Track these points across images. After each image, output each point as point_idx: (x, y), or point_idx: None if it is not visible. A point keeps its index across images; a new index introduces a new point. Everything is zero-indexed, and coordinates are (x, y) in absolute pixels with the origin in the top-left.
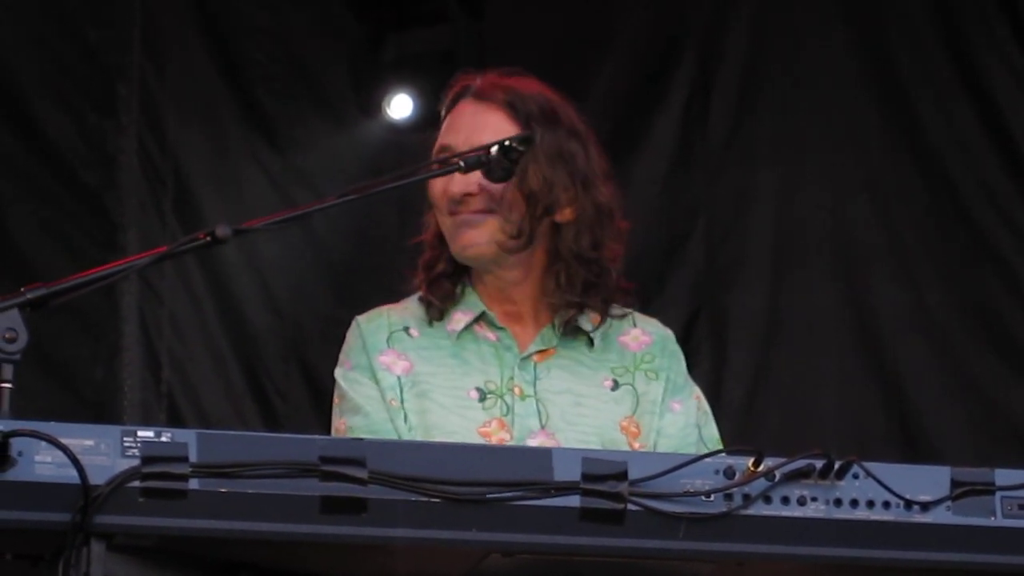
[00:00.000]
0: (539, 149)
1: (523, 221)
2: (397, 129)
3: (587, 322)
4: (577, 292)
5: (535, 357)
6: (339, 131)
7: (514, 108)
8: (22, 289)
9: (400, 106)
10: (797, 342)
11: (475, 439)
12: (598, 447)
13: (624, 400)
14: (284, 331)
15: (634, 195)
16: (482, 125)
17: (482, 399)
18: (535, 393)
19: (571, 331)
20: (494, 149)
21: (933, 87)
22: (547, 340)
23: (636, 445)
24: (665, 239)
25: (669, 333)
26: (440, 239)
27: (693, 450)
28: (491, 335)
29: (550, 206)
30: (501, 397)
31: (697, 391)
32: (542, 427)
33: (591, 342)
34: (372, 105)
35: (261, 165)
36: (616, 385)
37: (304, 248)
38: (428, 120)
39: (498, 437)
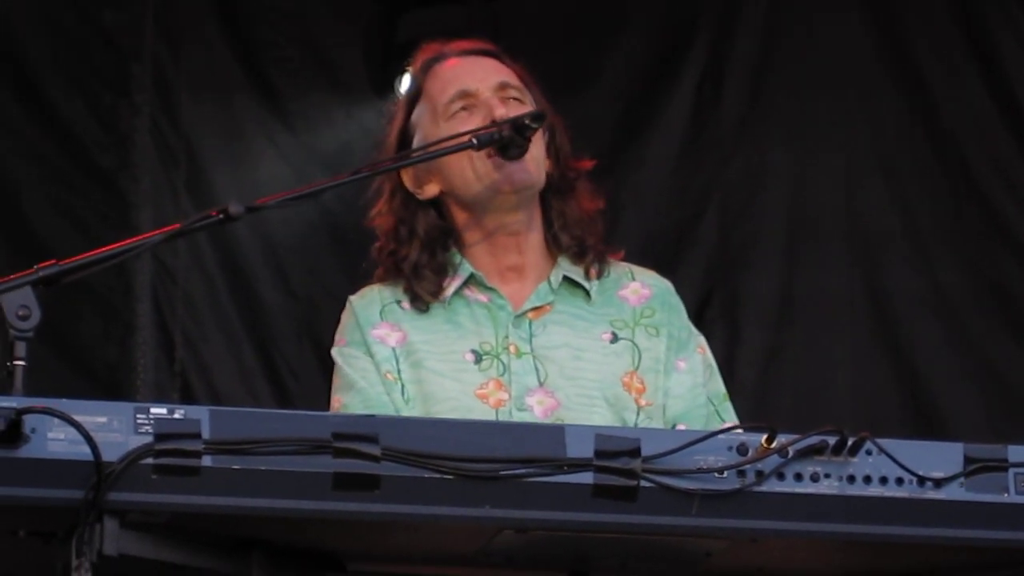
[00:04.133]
0: (536, 100)
1: (542, 157)
2: None
3: (584, 271)
4: (571, 231)
5: (530, 314)
6: (352, 111)
7: (502, 59)
8: (35, 267)
9: None
10: (810, 323)
11: (472, 402)
12: (601, 402)
13: (624, 354)
14: (297, 310)
15: (646, 175)
16: (491, 68)
17: (478, 361)
18: (532, 350)
19: (568, 285)
20: (507, 127)
21: (948, 68)
22: (543, 296)
23: (643, 402)
24: (677, 219)
25: (668, 285)
26: (405, 229)
27: (703, 411)
28: (482, 296)
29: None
30: (497, 357)
31: (701, 341)
32: (540, 384)
33: (588, 295)
34: (385, 85)
35: (274, 145)
36: (615, 338)
37: (317, 227)
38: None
39: (495, 398)
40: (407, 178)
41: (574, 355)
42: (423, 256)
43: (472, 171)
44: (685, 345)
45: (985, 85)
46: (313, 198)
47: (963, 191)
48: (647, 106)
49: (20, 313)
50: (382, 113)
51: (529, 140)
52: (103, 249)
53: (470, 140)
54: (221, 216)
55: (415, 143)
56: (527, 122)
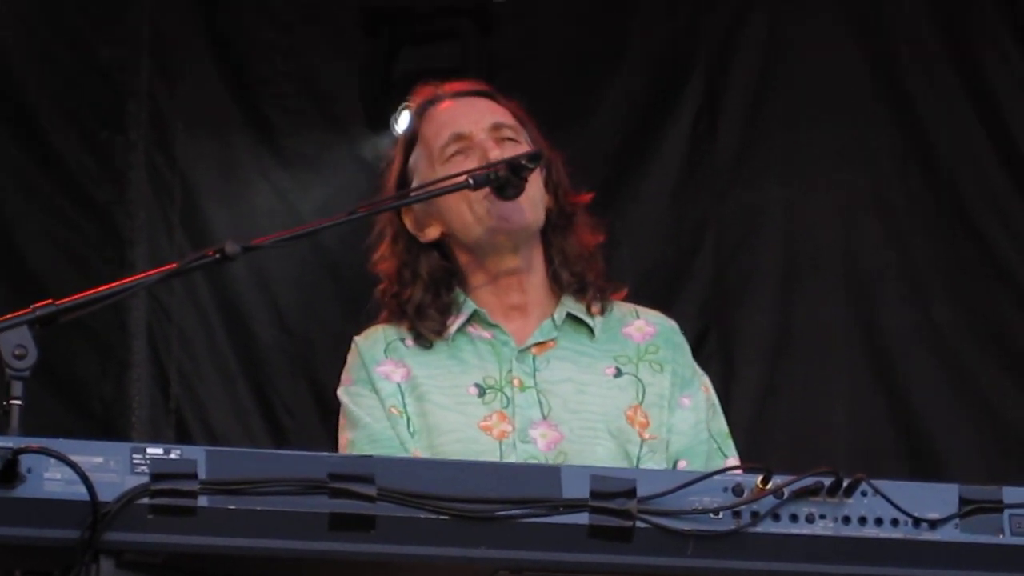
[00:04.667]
0: (532, 138)
1: (540, 196)
2: None
3: (587, 312)
4: (571, 268)
5: (533, 350)
6: (348, 147)
7: (496, 99)
8: (31, 306)
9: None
10: (806, 358)
11: (476, 434)
12: (605, 435)
13: (628, 388)
14: (292, 347)
15: (642, 210)
16: (480, 107)
17: (481, 394)
18: (535, 384)
19: (571, 322)
20: (503, 167)
21: (942, 104)
22: (546, 332)
23: (646, 436)
24: (673, 255)
25: (674, 325)
26: (409, 272)
27: (705, 447)
28: (486, 333)
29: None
30: (500, 390)
31: (705, 381)
32: (543, 418)
33: (591, 332)
34: (381, 121)
35: (270, 181)
36: (619, 373)
37: (313, 264)
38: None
39: (499, 430)
40: (409, 222)
41: (578, 389)
42: (427, 297)
43: (470, 214)
44: (689, 383)
45: (981, 123)
46: (309, 237)
47: (959, 228)
48: (643, 141)
49: (17, 352)
50: (378, 149)
51: (525, 180)
52: (100, 288)
53: (466, 180)
54: (218, 256)
55: (413, 186)
56: (523, 162)
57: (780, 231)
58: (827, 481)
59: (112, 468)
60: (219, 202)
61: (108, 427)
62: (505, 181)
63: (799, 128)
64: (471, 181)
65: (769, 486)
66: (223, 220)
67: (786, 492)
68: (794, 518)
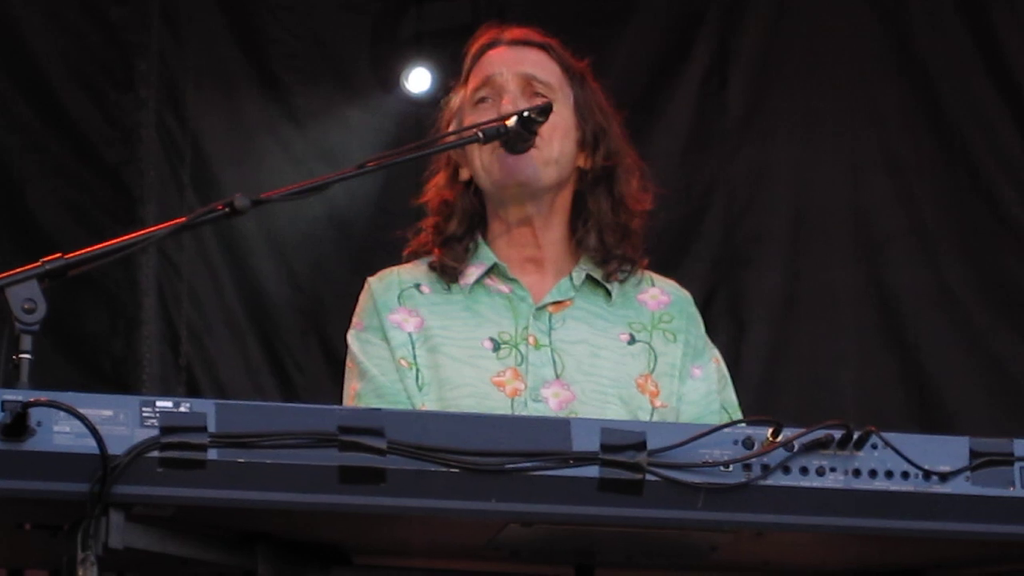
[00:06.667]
0: (578, 98)
1: (560, 155)
2: (416, 103)
3: (606, 275)
4: (601, 236)
5: (550, 308)
6: (358, 105)
7: (551, 51)
8: (40, 260)
9: (419, 80)
10: (815, 318)
11: (489, 389)
12: (616, 400)
13: (640, 356)
14: (302, 304)
15: (651, 170)
16: (524, 58)
17: (496, 349)
18: (550, 343)
19: (589, 283)
20: (513, 120)
21: (953, 63)
22: (564, 291)
23: (657, 404)
24: (683, 215)
25: (688, 295)
26: (448, 201)
27: (715, 417)
28: (504, 287)
29: (581, 143)
30: (515, 347)
31: (716, 353)
32: (557, 377)
33: (609, 295)
34: (391, 79)
35: (280, 139)
36: (633, 340)
37: (323, 220)
38: (446, 94)
39: (512, 387)
40: (456, 157)
41: (591, 352)
42: (459, 230)
43: (480, 163)
44: (701, 354)
45: (991, 80)
46: (319, 192)
47: (968, 186)
48: (652, 101)
49: (26, 306)
50: (388, 107)
51: (535, 134)
52: (109, 243)
53: (475, 134)
54: (227, 209)
55: (452, 127)
56: (533, 115)
57: (790, 190)
58: (837, 434)
59: (122, 421)
60: (229, 161)
61: (118, 384)
62: (515, 135)
63: (809, 87)
64: (481, 135)
65: (779, 439)
66: (233, 178)
67: (796, 445)
68: (804, 471)
